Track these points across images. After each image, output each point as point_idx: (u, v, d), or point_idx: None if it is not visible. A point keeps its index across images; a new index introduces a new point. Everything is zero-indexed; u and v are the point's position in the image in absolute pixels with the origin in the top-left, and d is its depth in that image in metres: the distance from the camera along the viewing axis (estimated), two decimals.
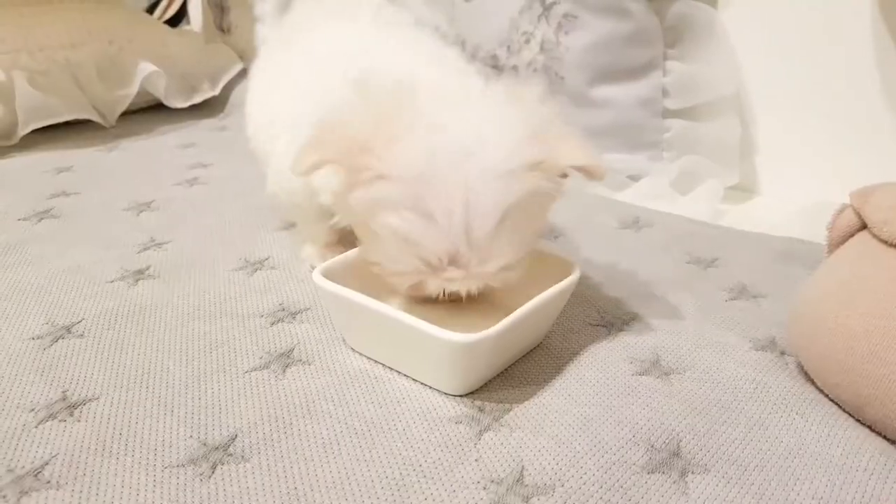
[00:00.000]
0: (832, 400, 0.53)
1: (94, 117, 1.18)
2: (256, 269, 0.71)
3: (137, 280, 0.68)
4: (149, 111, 1.30)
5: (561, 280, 0.57)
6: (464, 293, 0.53)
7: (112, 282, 0.68)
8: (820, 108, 0.89)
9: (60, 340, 0.58)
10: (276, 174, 0.69)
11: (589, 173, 0.53)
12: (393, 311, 0.52)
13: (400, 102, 0.52)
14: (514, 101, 0.54)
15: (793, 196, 0.90)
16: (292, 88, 0.65)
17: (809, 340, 0.54)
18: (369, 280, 0.59)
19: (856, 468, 0.46)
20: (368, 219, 0.52)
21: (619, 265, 0.73)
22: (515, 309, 0.52)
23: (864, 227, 0.58)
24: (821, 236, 0.63)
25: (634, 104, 0.94)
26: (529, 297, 0.54)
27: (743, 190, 0.96)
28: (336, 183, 0.54)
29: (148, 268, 0.71)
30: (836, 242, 0.59)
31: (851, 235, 0.59)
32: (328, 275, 0.57)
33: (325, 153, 0.52)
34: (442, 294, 0.54)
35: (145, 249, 0.75)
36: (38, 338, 0.59)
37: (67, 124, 1.16)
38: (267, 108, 0.70)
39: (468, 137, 0.50)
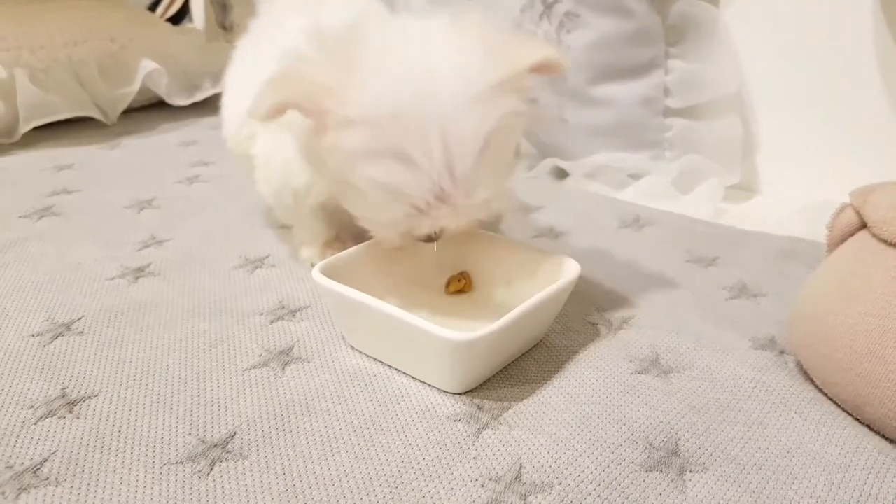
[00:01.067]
0: (831, 399, 0.53)
1: (96, 115, 1.18)
2: (256, 267, 0.71)
3: (137, 278, 0.69)
4: (150, 109, 1.30)
5: (560, 279, 0.57)
6: (454, 227, 0.53)
7: (112, 279, 0.68)
8: (821, 107, 0.88)
9: (60, 338, 0.58)
10: (261, 176, 0.68)
11: (552, 69, 0.53)
12: (392, 308, 0.52)
13: (353, 44, 0.51)
14: (462, 25, 0.53)
15: (794, 195, 0.90)
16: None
17: (809, 339, 0.54)
18: (369, 278, 0.60)
19: (854, 467, 0.46)
20: (346, 172, 0.51)
21: (620, 263, 0.73)
22: (514, 307, 0.52)
23: (863, 226, 0.58)
24: (822, 235, 0.62)
25: (636, 103, 0.94)
26: (529, 296, 0.54)
27: (744, 189, 0.96)
28: (302, 130, 0.53)
29: (148, 265, 0.71)
30: (836, 241, 0.59)
31: (851, 234, 0.58)
32: (328, 273, 0.57)
33: (285, 95, 0.50)
34: (435, 233, 0.55)
35: (146, 247, 0.75)
36: (37, 335, 0.59)
37: (69, 122, 1.17)
38: (240, 107, 0.70)
39: (430, 70, 0.49)
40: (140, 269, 0.70)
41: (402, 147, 0.48)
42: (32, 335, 0.59)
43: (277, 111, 0.51)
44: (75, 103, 1.15)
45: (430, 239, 0.57)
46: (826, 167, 0.89)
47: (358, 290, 0.54)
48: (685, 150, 0.94)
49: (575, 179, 0.96)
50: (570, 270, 0.58)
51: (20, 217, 0.82)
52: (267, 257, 0.73)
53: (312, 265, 0.69)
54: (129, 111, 1.25)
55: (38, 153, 1.07)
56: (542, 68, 0.52)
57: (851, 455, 0.47)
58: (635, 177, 0.95)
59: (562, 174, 1.00)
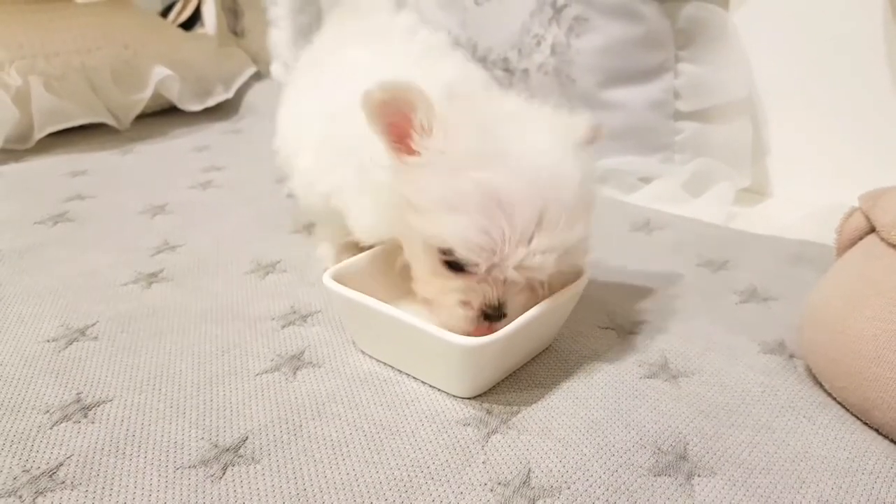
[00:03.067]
0: (839, 403, 0.53)
1: (109, 121, 1.19)
2: (268, 273, 0.72)
3: (151, 283, 0.69)
4: (163, 115, 1.31)
5: (570, 283, 0.57)
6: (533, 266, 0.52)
7: (126, 285, 0.69)
8: (831, 110, 0.88)
9: (75, 343, 0.59)
10: (299, 189, 0.70)
11: (598, 135, 0.58)
12: (402, 314, 0.52)
13: (447, 102, 0.53)
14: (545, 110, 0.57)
15: (804, 198, 0.89)
16: (320, 109, 0.66)
17: (817, 343, 0.54)
18: (380, 283, 0.60)
19: (862, 471, 0.46)
20: (444, 184, 0.51)
21: (630, 267, 0.74)
22: (524, 312, 0.53)
23: (872, 230, 0.58)
24: (831, 239, 0.62)
25: (646, 107, 0.94)
26: (538, 301, 0.54)
27: (755, 192, 0.96)
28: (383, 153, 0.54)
29: (161, 271, 0.72)
30: (845, 245, 0.59)
31: (860, 238, 0.58)
32: (339, 278, 0.57)
33: (404, 95, 0.51)
34: (500, 297, 0.53)
35: (159, 252, 0.76)
36: (52, 340, 0.60)
37: (82, 128, 1.18)
38: (294, 124, 0.72)
39: (537, 123, 0.54)
40: (153, 275, 0.71)
41: (494, 212, 0.49)
42: (47, 340, 0.60)
43: (393, 101, 0.52)
44: (89, 109, 1.16)
45: (488, 317, 0.54)
46: (836, 170, 0.89)
47: (368, 295, 0.55)
48: (695, 153, 0.94)
49: None
50: (579, 276, 0.58)
51: (35, 223, 0.83)
52: (279, 262, 0.74)
53: (325, 269, 0.71)
54: (142, 117, 1.26)
55: (53, 159, 1.08)
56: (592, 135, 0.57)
57: (859, 459, 0.47)
58: (646, 180, 0.95)
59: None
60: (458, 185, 0.50)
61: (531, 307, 0.53)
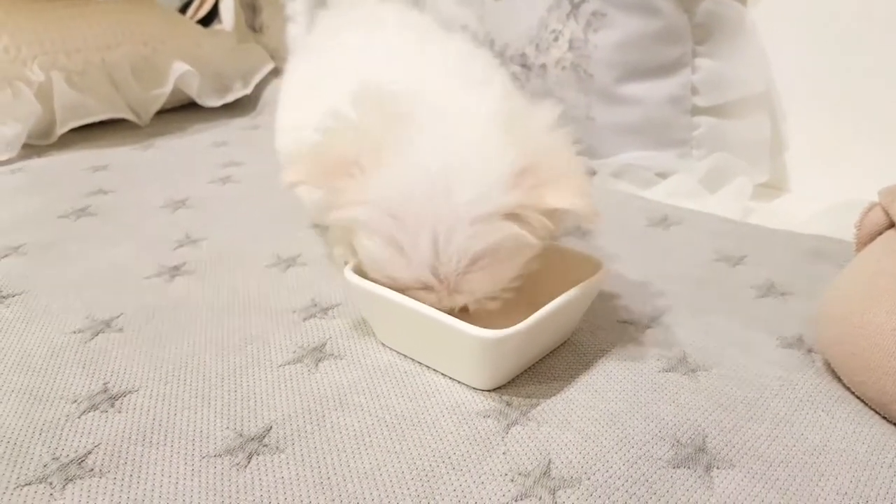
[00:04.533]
0: (858, 397, 0.53)
1: (130, 116, 1.20)
2: (289, 266, 0.72)
3: (174, 276, 0.70)
4: (182, 110, 1.33)
5: (588, 277, 0.58)
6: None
7: (149, 278, 0.70)
8: (849, 105, 0.88)
9: (101, 334, 0.60)
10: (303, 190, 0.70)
11: (579, 216, 0.52)
12: (423, 307, 0.53)
13: (390, 123, 0.53)
14: (516, 128, 0.53)
15: (823, 193, 0.89)
16: (317, 100, 0.65)
17: (836, 338, 0.54)
18: None
19: (881, 464, 0.46)
20: (349, 233, 0.54)
21: (647, 262, 0.74)
22: (543, 305, 0.53)
23: (892, 225, 0.58)
24: (850, 234, 0.63)
25: (663, 102, 0.94)
26: (557, 294, 0.55)
27: (772, 187, 0.96)
28: (317, 198, 0.57)
29: (184, 264, 0.73)
30: (864, 240, 0.59)
31: (880, 233, 0.58)
32: (359, 271, 0.58)
33: (306, 175, 0.55)
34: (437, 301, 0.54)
35: (181, 246, 0.77)
36: (79, 332, 0.61)
37: (103, 123, 1.19)
38: (292, 119, 0.72)
39: (448, 174, 0.50)
40: (176, 268, 0.72)
41: (395, 235, 0.51)
42: (74, 332, 0.61)
43: (298, 186, 0.56)
44: (110, 105, 1.18)
45: None
46: (855, 165, 0.89)
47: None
48: (713, 148, 0.94)
49: (602, 178, 0.96)
50: (597, 270, 0.59)
51: (59, 217, 0.85)
52: (299, 256, 0.74)
53: (345, 262, 0.71)
54: (162, 112, 1.28)
55: (75, 154, 1.10)
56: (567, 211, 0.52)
57: (878, 453, 0.47)
58: (663, 175, 0.95)
59: (588, 172, 1.00)
60: (366, 210, 0.52)
61: (494, 284, 0.54)
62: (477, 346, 0.50)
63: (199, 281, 0.70)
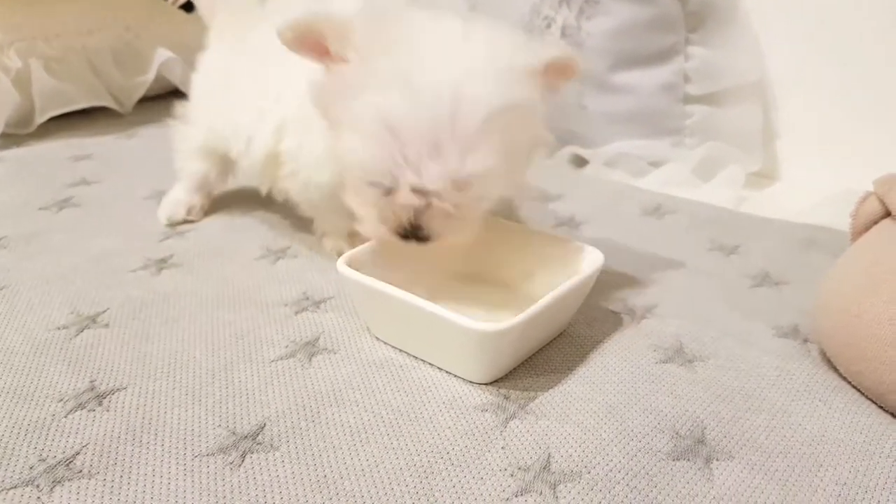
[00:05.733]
0: (854, 387, 0.53)
1: (111, 104, 1.18)
2: (278, 258, 0.71)
3: (161, 269, 0.69)
4: (165, 98, 1.29)
5: (583, 268, 0.57)
6: (434, 191, 0.51)
7: (135, 271, 0.69)
8: (842, 93, 0.88)
9: (86, 330, 0.59)
10: (288, 171, 0.68)
11: (567, 69, 0.54)
12: (419, 299, 0.52)
13: (387, 26, 0.53)
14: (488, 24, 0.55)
15: (814, 182, 0.89)
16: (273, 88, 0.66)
17: (832, 328, 0.54)
18: (393, 269, 0.60)
19: (879, 454, 0.46)
20: (348, 106, 0.52)
21: (642, 252, 0.73)
22: (539, 297, 0.52)
23: (887, 214, 0.57)
24: (844, 224, 0.63)
25: (656, 90, 0.93)
26: (552, 285, 0.54)
27: (764, 176, 0.95)
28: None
29: (171, 256, 0.71)
30: (860, 230, 0.59)
31: (875, 223, 0.58)
32: (352, 264, 0.57)
33: (321, 24, 0.52)
34: (411, 220, 0.54)
35: (167, 238, 0.76)
36: (63, 328, 0.59)
37: (84, 112, 1.17)
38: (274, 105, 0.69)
39: (458, 45, 0.52)
40: (163, 261, 0.70)
41: (413, 79, 0.50)
42: (58, 328, 0.59)
43: (305, 35, 0.53)
44: (90, 93, 1.15)
45: (406, 236, 0.55)
46: (848, 154, 0.89)
47: (382, 280, 0.54)
48: (706, 137, 0.94)
49: (594, 167, 0.95)
50: (593, 260, 0.58)
51: (40, 209, 0.83)
52: (288, 248, 0.73)
53: (338, 255, 0.70)
54: (144, 100, 1.25)
55: (55, 143, 1.07)
56: (557, 68, 0.53)
57: (876, 442, 0.47)
58: (655, 164, 0.94)
59: (581, 162, 0.99)
60: (357, 108, 0.51)
61: (466, 233, 0.55)
62: (475, 339, 0.50)
63: (187, 274, 0.68)
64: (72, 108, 1.13)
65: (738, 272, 0.69)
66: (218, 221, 0.80)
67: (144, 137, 1.10)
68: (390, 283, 0.54)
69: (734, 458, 0.46)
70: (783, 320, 0.61)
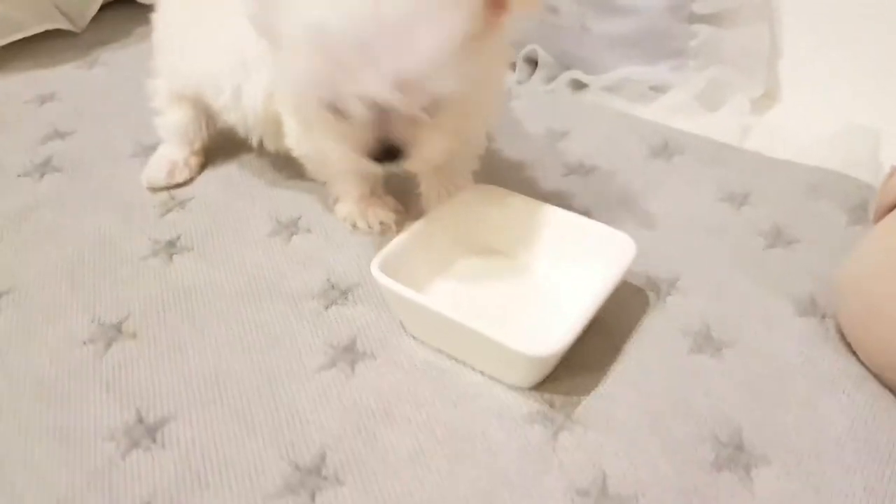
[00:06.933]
0: (875, 375, 0.55)
1: (63, 25, 1.05)
2: (292, 234, 0.69)
3: (171, 255, 0.66)
4: (120, 9, 1.14)
5: (615, 258, 0.58)
6: (381, 97, 0.48)
7: (145, 259, 0.66)
8: (848, 15, 0.85)
9: (114, 344, 0.57)
10: (292, 137, 0.65)
11: None
12: (465, 319, 0.52)
13: None
14: None
15: (818, 106, 0.88)
16: None
17: (860, 323, 0.56)
18: (424, 260, 0.60)
19: None
20: (282, 23, 0.49)
21: (654, 206, 0.73)
22: (565, 284, 0.58)
23: None
24: (848, 167, 0.68)
25: (661, 9, 0.88)
26: (581, 272, 0.57)
27: (767, 96, 0.93)
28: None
29: (178, 238, 0.68)
30: (884, 211, 0.59)
31: None
32: (386, 265, 0.56)
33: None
34: (376, 137, 0.52)
35: (168, 211, 0.72)
36: (90, 342, 0.58)
37: (37, 38, 1.03)
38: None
39: None
40: (171, 244, 0.67)
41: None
42: (84, 343, 0.57)
43: None
44: (39, 15, 1.02)
45: (379, 158, 0.53)
46: (852, 78, 0.87)
47: (416, 273, 0.56)
48: (709, 59, 0.91)
49: (595, 93, 0.92)
50: (625, 250, 0.58)
51: (20, 176, 0.77)
52: (300, 218, 0.70)
53: (352, 225, 0.69)
54: (98, 15, 1.10)
55: (12, 79, 0.97)
56: None
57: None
58: (658, 89, 0.91)
59: (580, 85, 0.95)
60: (289, 22, 0.48)
61: (440, 143, 0.54)
62: (522, 361, 0.51)
63: (201, 259, 0.66)
64: (21, 36, 1.01)
65: (750, 228, 0.70)
66: (214, 181, 0.76)
67: (108, 65, 1.00)
68: (422, 273, 0.57)
69: (771, 462, 0.49)
70: (800, 289, 0.63)
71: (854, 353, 0.57)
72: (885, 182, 0.60)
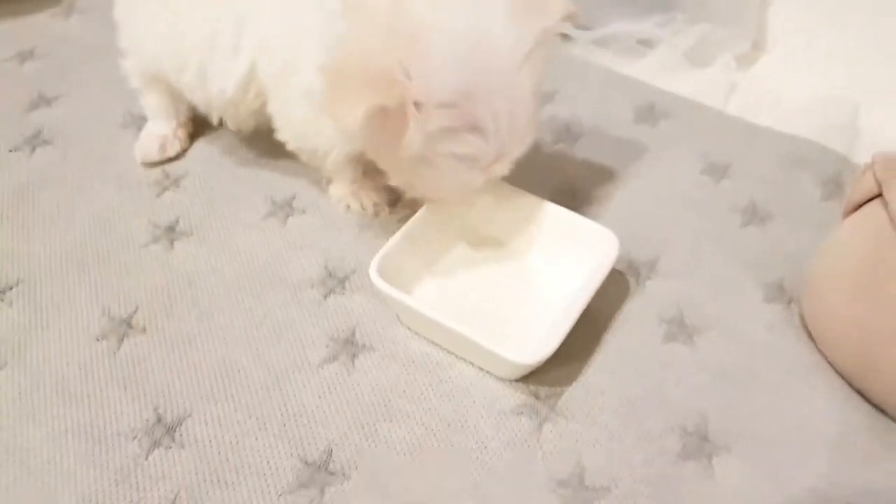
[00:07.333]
0: (831, 365, 0.60)
1: None
2: (288, 216, 0.71)
3: (172, 241, 0.68)
4: None
5: (599, 254, 0.61)
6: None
7: (147, 246, 0.68)
8: None
9: (126, 340, 0.60)
10: (281, 130, 0.66)
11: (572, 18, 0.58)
12: (460, 327, 0.55)
13: (399, 16, 0.51)
14: None
15: (802, 57, 0.89)
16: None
17: (818, 321, 0.60)
18: (421, 256, 0.63)
19: (851, 446, 0.55)
20: (426, 153, 0.54)
21: (636, 175, 0.76)
22: (550, 276, 0.63)
23: (880, 194, 0.60)
24: (830, 140, 0.71)
25: None
26: (563, 265, 0.62)
27: (755, 48, 0.94)
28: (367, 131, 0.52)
29: (177, 222, 0.70)
30: (853, 206, 0.61)
31: (870, 200, 0.61)
32: (384, 268, 0.59)
33: (371, 96, 0.49)
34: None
35: (165, 190, 0.73)
36: (103, 338, 0.60)
37: None
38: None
39: (481, 41, 0.52)
40: (171, 229, 0.69)
41: (476, 121, 0.53)
42: (97, 339, 0.60)
43: (370, 114, 0.50)
44: None
45: None
46: (838, 30, 0.87)
47: (411, 269, 0.60)
48: (697, 15, 0.90)
49: (584, 47, 0.92)
50: (609, 247, 0.61)
51: (11, 151, 0.77)
52: (294, 198, 0.72)
53: (346, 208, 0.70)
54: None
55: None
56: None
57: (850, 434, 0.56)
58: (645, 43, 0.91)
59: (568, 39, 0.94)
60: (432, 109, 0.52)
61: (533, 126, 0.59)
62: (512, 367, 0.55)
63: (201, 245, 0.68)
64: None
65: (727, 205, 0.73)
66: (206, 154, 0.77)
67: (85, 14, 0.96)
68: (418, 271, 0.62)
69: (731, 451, 0.55)
70: (770, 274, 0.67)
71: (812, 340, 0.62)
72: (859, 178, 0.62)
